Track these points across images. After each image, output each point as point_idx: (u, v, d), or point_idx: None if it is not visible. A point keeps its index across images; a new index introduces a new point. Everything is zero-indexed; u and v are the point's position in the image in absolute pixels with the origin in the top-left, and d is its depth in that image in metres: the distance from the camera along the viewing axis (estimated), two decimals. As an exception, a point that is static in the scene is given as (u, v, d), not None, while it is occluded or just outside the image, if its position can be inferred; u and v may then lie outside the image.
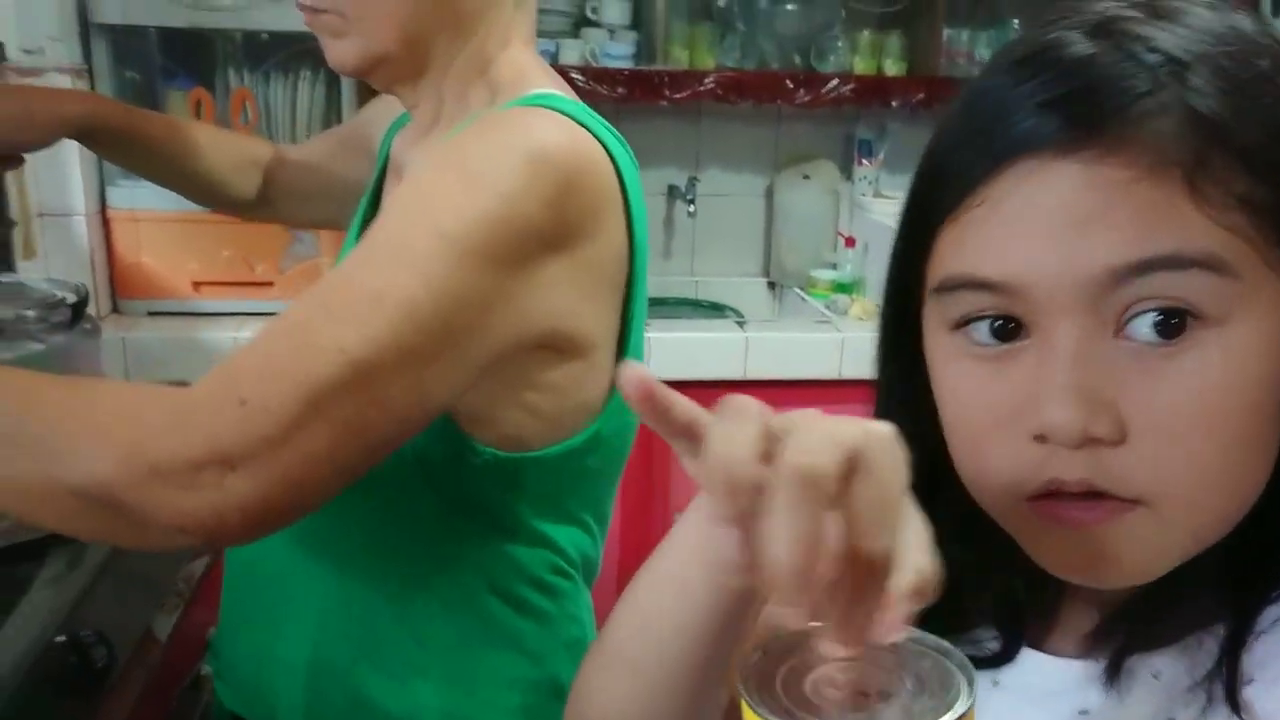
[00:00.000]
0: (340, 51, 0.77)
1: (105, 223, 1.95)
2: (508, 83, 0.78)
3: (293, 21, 1.92)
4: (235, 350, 0.61)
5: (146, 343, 1.86)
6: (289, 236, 1.99)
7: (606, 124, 0.73)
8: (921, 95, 2.16)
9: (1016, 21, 2.25)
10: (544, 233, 0.66)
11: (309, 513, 0.60)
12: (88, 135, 0.99)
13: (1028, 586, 0.48)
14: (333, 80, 1.98)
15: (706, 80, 2.08)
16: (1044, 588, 0.48)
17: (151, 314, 1.98)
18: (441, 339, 0.63)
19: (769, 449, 0.34)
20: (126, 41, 1.92)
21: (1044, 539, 0.44)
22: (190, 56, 1.97)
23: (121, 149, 1.02)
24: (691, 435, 0.37)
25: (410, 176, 0.68)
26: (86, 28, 1.87)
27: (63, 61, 1.83)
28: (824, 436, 0.34)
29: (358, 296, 0.61)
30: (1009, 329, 0.44)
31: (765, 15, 2.19)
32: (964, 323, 0.45)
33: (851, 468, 0.33)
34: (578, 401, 0.74)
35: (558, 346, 0.70)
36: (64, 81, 1.83)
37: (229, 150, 1.08)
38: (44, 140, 0.98)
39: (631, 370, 0.36)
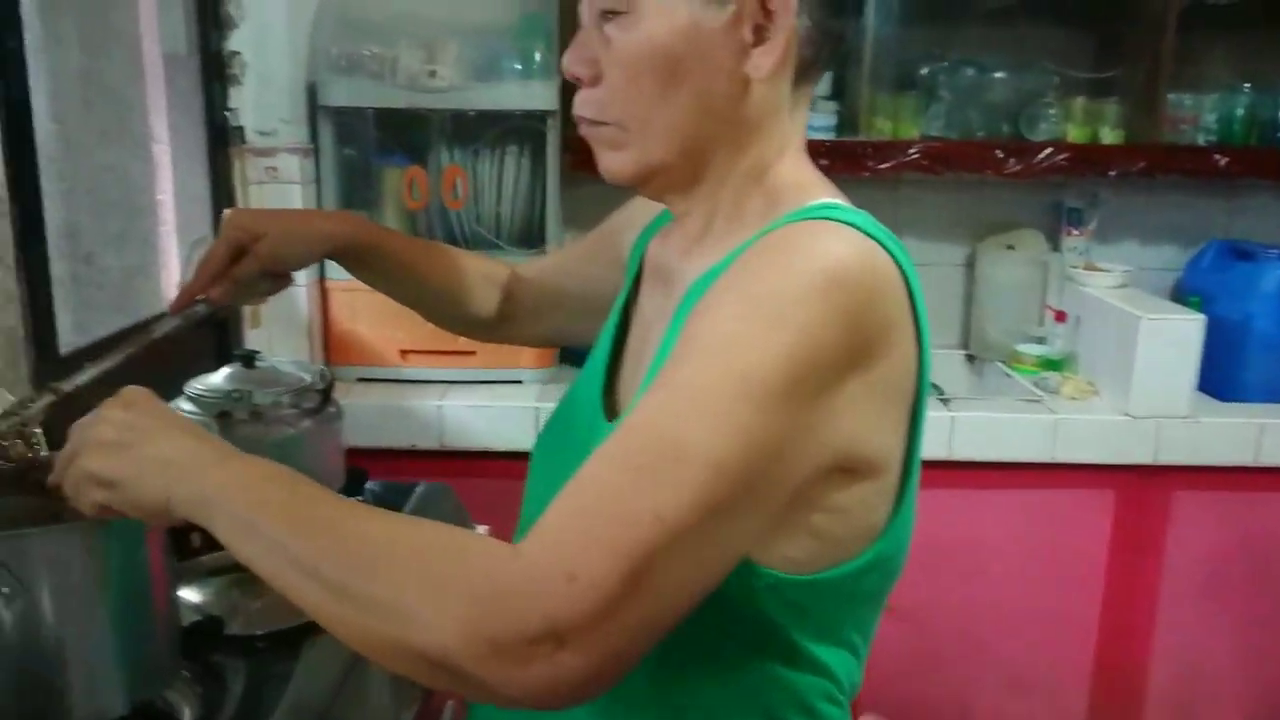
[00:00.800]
0: (616, 162, 0.76)
1: (323, 293, 2.03)
2: (786, 192, 0.76)
3: (502, 101, 2.02)
4: (553, 511, 0.60)
5: (358, 409, 1.92)
6: (492, 307, 2.04)
7: (888, 231, 0.71)
8: (1142, 164, 2.05)
9: (1247, 85, 2.12)
10: (842, 357, 0.63)
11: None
12: (345, 254, 1.03)
13: None
14: (538, 157, 2.03)
15: (910, 150, 2.03)
16: None
17: (361, 380, 2.05)
18: (749, 488, 0.61)
19: None
20: (348, 122, 2.01)
21: None
22: (405, 135, 2.06)
23: (372, 269, 1.07)
24: None
25: (702, 313, 0.65)
26: (314, 111, 1.98)
27: (292, 142, 1.94)
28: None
29: (666, 454, 0.59)
30: None
31: (972, 83, 2.13)
32: None
33: None
34: (863, 524, 0.71)
35: (850, 468, 0.67)
36: (293, 161, 1.94)
37: (470, 271, 1.10)
38: (309, 259, 1.03)
39: None
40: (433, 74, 1.93)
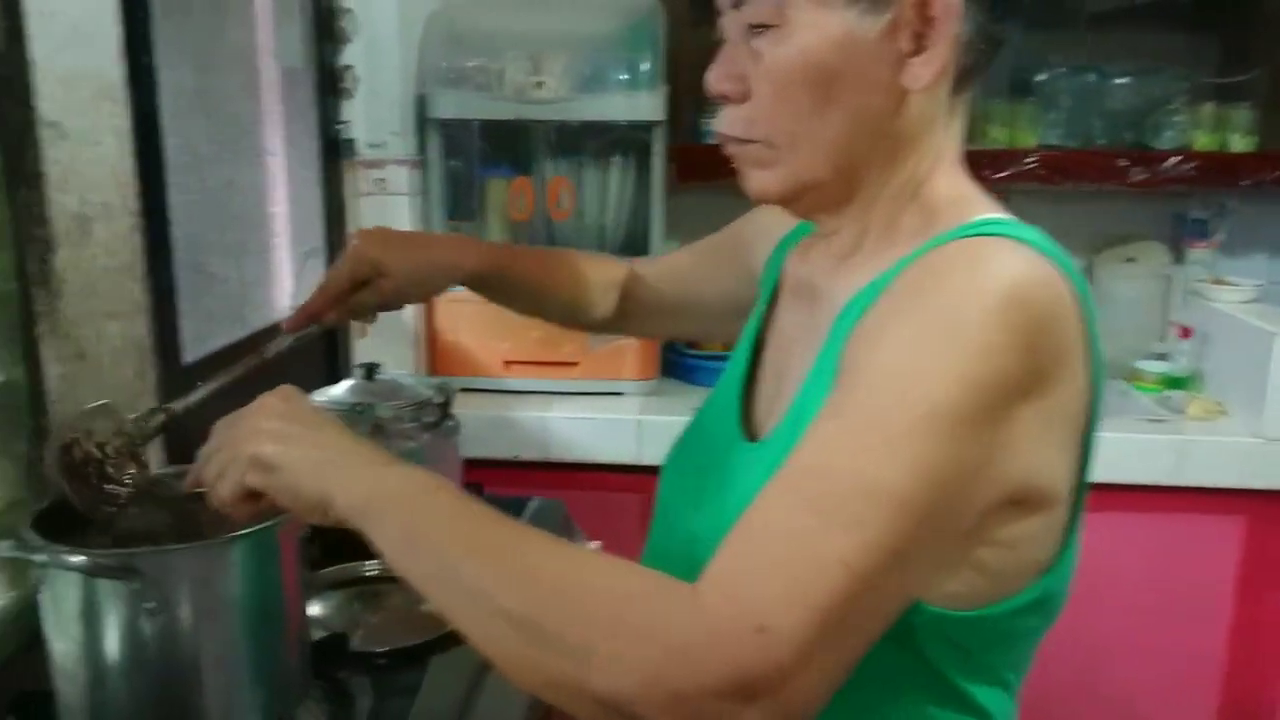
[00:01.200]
0: (763, 181, 0.73)
1: (429, 304, 2.05)
2: (943, 207, 0.72)
3: (607, 112, 2.01)
4: (733, 555, 0.58)
5: (462, 419, 1.91)
6: (595, 319, 2.03)
7: (1058, 246, 0.66)
8: (1276, 174, 1.95)
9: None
10: (1021, 383, 0.60)
11: None
12: (468, 284, 1.03)
13: None
14: (643, 167, 2.01)
15: (1028, 160, 1.97)
16: None
17: (464, 390, 2.06)
18: (931, 526, 0.58)
19: None
20: (454, 134, 2.03)
21: None
22: (510, 147, 2.06)
23: (495, 292, 1.07)
24: None
25: (869, 337, 0.62)
26: (423, 123, 1.99)
27: (401, 154, 1.96)
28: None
29: (848, 493, 0.56)
30: None
31: (1093, 91, 2.05)
32: None
33: None
34: (1030, 559, 0.67)
35: (1022, 500, 0.63)
36: (401, 173, 1.96)
37: (589, 277, 1.09)
38: (432, 296, 1.03)
39: None
40: (539, 85, 1.93)
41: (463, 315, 2.04)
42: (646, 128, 1.97)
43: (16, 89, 0.96)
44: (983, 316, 0.59)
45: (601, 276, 1.10)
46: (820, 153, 0.70)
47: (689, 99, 2.15)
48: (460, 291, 2.05)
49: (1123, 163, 1.97)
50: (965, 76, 0.72)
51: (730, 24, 0.73)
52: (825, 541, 0.56)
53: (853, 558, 0.55)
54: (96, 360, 1.11)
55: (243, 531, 0.73)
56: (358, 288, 0.99)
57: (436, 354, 2.08)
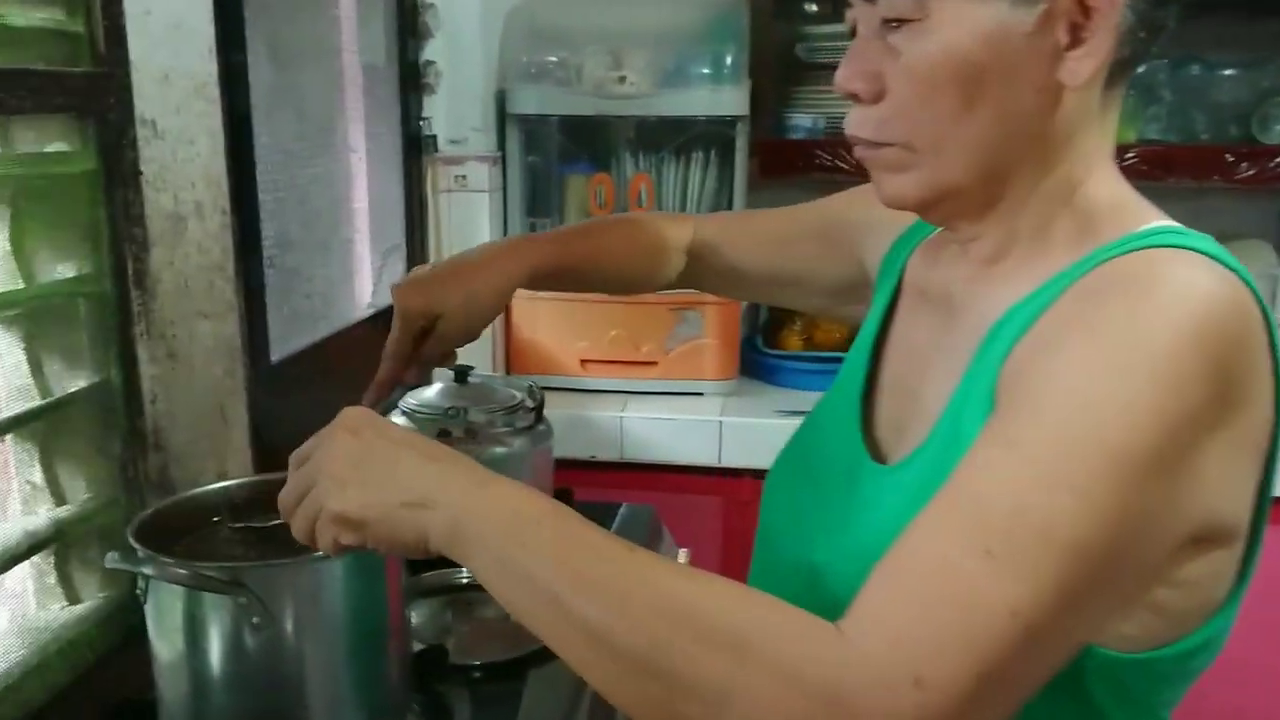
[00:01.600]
0: (899, 187, 0.68)
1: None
2: (1103, 213, 0.67)
3: (691, 107, 1.98)
4: (886, 594, 0.54)
5: (541, 420, 1.90)
6: (675, 317, 2.00)
7: (1234, 257, 0.61)
8: (1398, 168, 1.85)
9: None
10: (1213, 414, 0.55)
11: None
12: (527, 287, 0.99)
13: None
14: (725, 163, 1.97)
15: (1128, 155, 1.89)
16: None
17: (540, 390, 2.04)
18: (1111, 574, 0.54)
19: None
20: (534, 130, 2.01)
21: None
22: (590, 142, 2.04)
23: (556, 285, 1.02)
24: None
25: (1039, 358, 0.58)
26: (503, 119, 1.97)
27: (481, 150, 1.94)
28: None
29: (1020, 534, 0.52)
30: None
31: (1196, 82, 1.97)
32: None
33: None
34: (1207, 597, 0.62)
35: (1205, 537, 0.58)
36: (482, 169, 1.94)
37: (649, 248, 1.04)
38: (494, 316, 0.97)
39: None
40: (622, 80, 1.90)
41: (539, 314, 2.02)
42: (730, 122, 1.93)
43: (117, 88, 0.95)
44: (1175, 343, 0.54)
45: (663, 243, 1.04)
46: (964, 157, 0.65)
47: (772, 93, 2.10)
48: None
49: (1228, 158, 1.88)
50: (1122, 69, 0.66)
51: (862, 17, 0.67)
52: (994, 587, 0.51)
53: (1024, 607, 0.51)
54: (188, 360, 1.11)
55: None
56: (421, 341, 0.95)
57: (512, 353, 2.06)
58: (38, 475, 0.97)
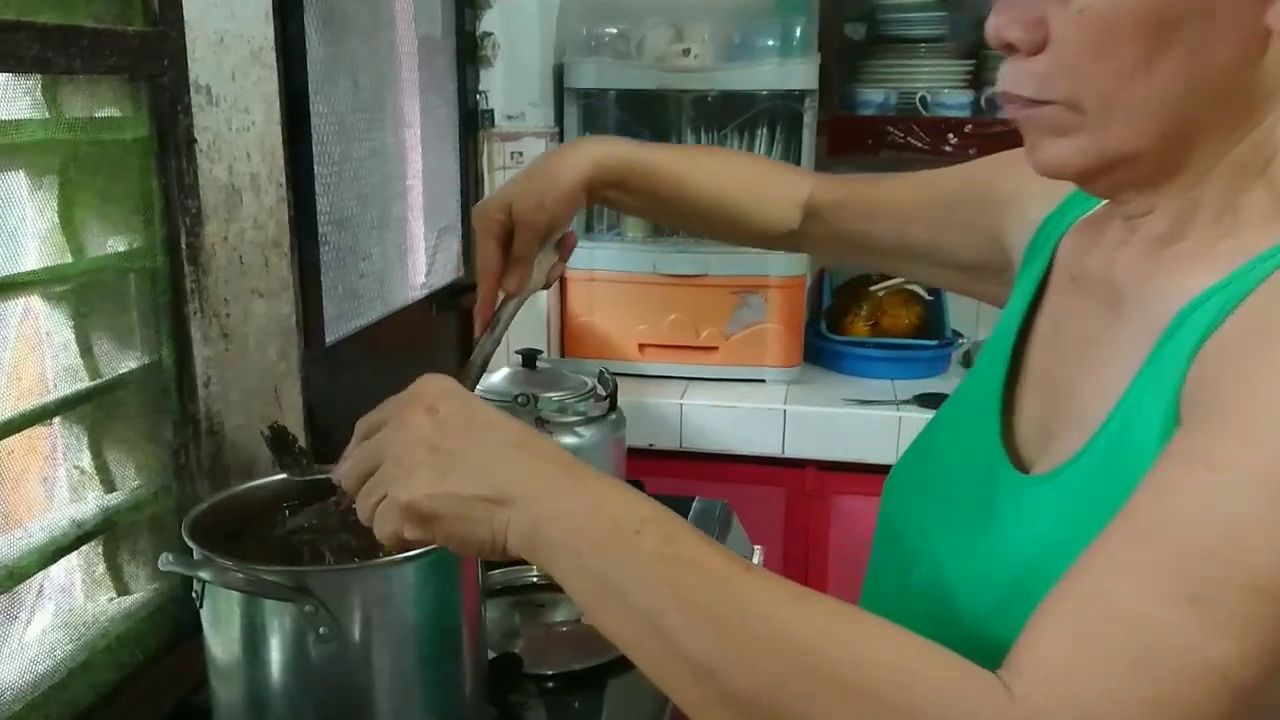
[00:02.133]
0: (1060, 153, 0.58)
1: (562, 282, 1.96)
2: None
3: (757, 81, 1.89)
4: (1063, 641, 0.45)
5: (599, 406, 1.83)
6: (737, 300, 1.92)
7: None
8: None
9: None
10: None
11: None
12: (605, 183, 0.88)
13: None
14: (792, 139, 1.89)
15: None
16: None
17: (597, 374, 1.97)
18: None
19: None
20: (593, 104, 1.93)
21: None
22: (650, 117, 1.96)
23: (628, 188, 0.91)
24: None
25: (1249, 368, 0.48)
26: (560, 93, 1.90)
27: (539, 125, 1.87)
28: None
29: (1235, 584, 0.44)
30: None
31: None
32: None
33: None
34: None
35: None
36: (539, 145, 1.87)
37: (755, 187, 0.94)
38: (572, 200, 0.86)
39: None
40: (686, 52, 1.82)
41: (596, 295, 1.96)
42: (798, 97, 1.84)
43: (172, 50, 0.89)
44: None
45: (779, 188, 0.94)
46: (1143, 118, 0.56)
47: (841, 67, 2.01)
48: (594, 270, 1.96)
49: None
50: None
51: None
52: (1202, 645, 0.43)
53: (1235, 670, 0.43)
54: (241, 341, 1.05)
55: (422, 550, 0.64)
56: (507, 244, 0.86)
57: (568, 336, 2.00)
58: (86, 461, 0.91)
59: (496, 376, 1.06)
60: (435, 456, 0.56)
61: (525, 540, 0.54)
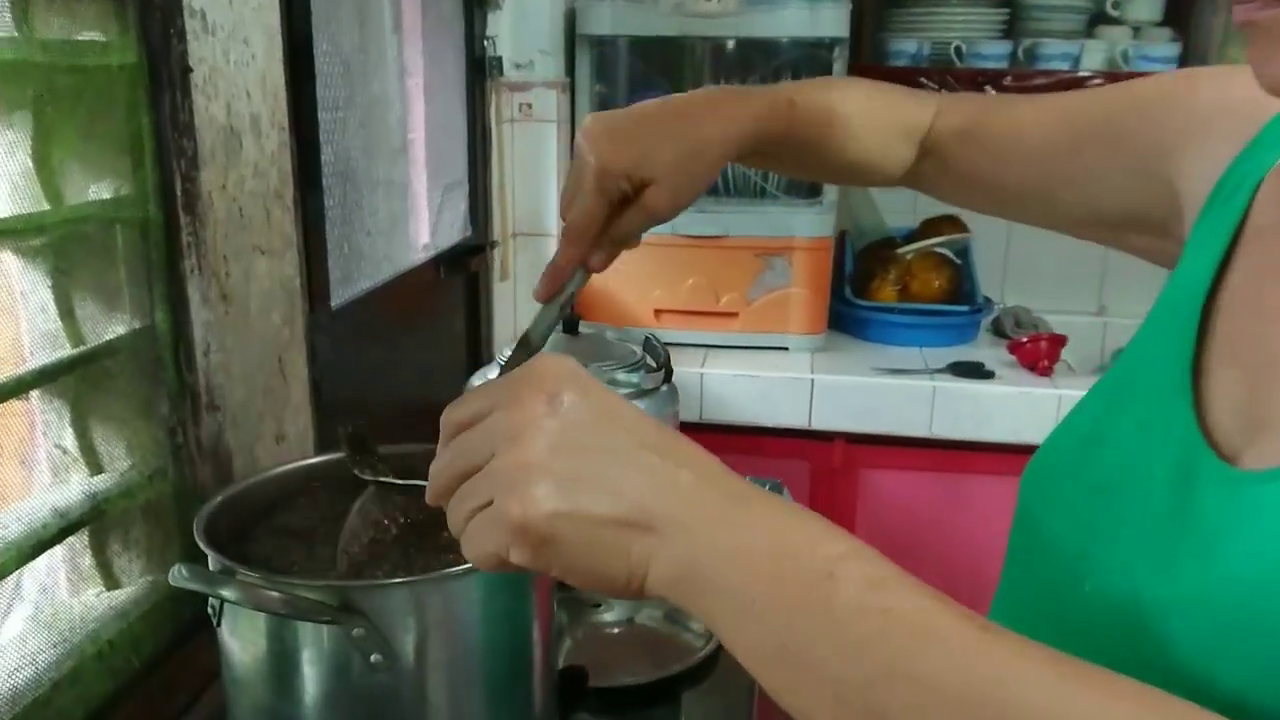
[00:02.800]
0: None
1: (573, 245, 1.84)
2: None
3: (785, 28, 1.77)
4: None
5: (615, 376, 1.72)
6: (760, 264, 1.81)
7: None
8: None
9: None
10: None
11: None
12: (746, 154, 0.77)
13: None
14: (821, 92, 1.77)
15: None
16: None
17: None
18: None
19: None
20: (606, 53, 1.81)
21: None
22: (668, 67, 1.84)
23: (777, 159, 0.80)
24: None
25: None
26: (572, 41, 1.77)
27: (549, 75, 1.74)
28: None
29: None
30: None
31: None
32: None
33: None
34: None
35: None
36: (549, 96, 1.75)
37: (887, 121, 0.81)
38: (705, 189, 0.75)
39: None
40: (709, -3, 1.69)
41: (611, 258, 1.84)
42: (828, 46, 1.72)
43: (162, -39, 0.76)
44: None
45: (901, 121, 0.82)
46: None
47: (872, 15, 1.89)
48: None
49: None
50: None
51: None
52: None
53: None
54: (243, 304, 0.93)
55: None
56: (618, 212, 0.72)
57: (582, 301, 1.88)
58: (70, 440, 0.80)
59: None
60: (559, 460, 0.44)
61: (673, 581, 0.42)
